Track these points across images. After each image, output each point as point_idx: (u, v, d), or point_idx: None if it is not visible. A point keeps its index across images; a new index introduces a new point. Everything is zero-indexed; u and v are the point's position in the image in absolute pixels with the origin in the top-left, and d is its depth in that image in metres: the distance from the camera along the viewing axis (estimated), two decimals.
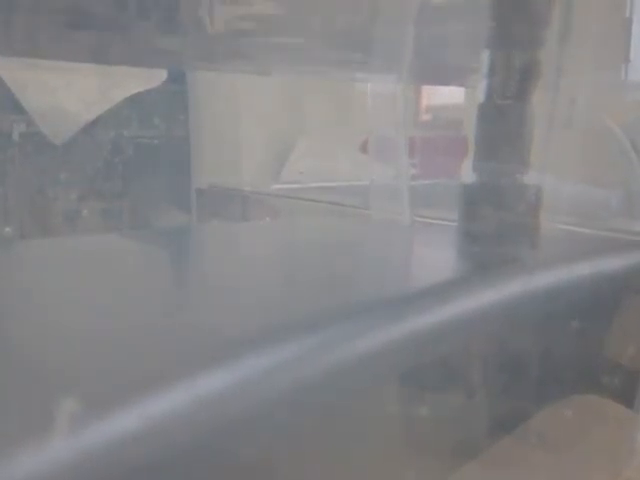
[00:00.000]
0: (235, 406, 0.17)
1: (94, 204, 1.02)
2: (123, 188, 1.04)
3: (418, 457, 0.26)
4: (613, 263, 0.30)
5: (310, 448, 0.20)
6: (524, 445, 0.27)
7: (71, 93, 0.98)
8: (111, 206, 1.04)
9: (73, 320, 0.21)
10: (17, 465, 0.12)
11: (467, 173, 0.36)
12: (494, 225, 0.32)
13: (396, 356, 0.22)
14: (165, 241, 0.38)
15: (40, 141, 0.95)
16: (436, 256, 0.33)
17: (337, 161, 0.94)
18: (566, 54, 0.36)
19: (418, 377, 0.24)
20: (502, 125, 0.34)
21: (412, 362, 0.23)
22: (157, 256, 0.34)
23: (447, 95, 1.00)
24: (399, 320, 0.22)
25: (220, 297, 0.24)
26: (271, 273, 0.29)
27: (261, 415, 0.18)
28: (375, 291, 0.25)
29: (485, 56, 0.34)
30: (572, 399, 0.28)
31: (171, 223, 1.02)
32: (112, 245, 0.37)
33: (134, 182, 1.05)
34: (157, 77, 1.00)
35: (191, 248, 0.38)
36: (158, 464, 0.15)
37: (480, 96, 0.35)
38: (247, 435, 0.17)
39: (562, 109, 0.38)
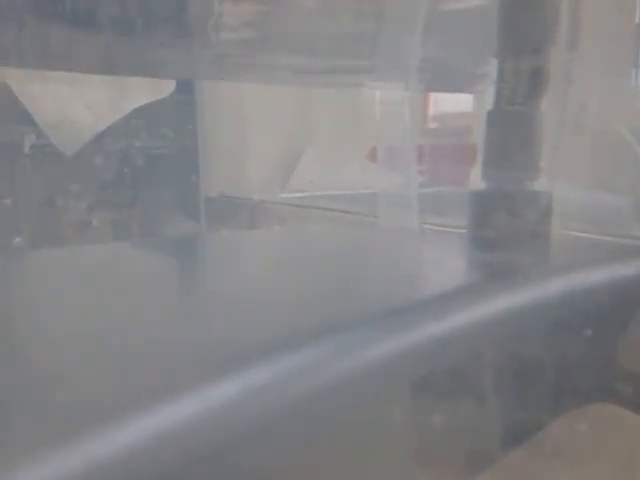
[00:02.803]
0: (245, 415, 0.17)
1: (104, 214, 1.02)
2: (133, 197, 1.05)
3: (429, 468, 0.26)
4: (626, 270, 0.29)
5: (318, 457, 0.20)
6: (538, 456, 0.26)
7: (80, 104, 0.99)
8: (121, 215, 1.04)
9: (83, 328, 0.20)
10: (27, 474, 0.12)
11: (476, 180, 0.36)
12: (504, 232, 0.32)
13: (405, 365, 0.21)
14: (177, 249, 0.38)
15: (50, 152, 0.95)
16: (445, 264, 0.33)
17: (345, 169, 0.94)
18: (575, 60, 0.36)
19: (428, 386, 0.24)
20: (511, 131, 0.33)
21: (422, 371, 0.23)
22: (169, 264, 0.34)
23: (453, 103, 1.00)
24: (409, 329, 0.21)
25: (231, 305, 0.24)
26: (281, 281, 0.28)
27: (270, 424, 0.17)
28: (384, 299, 0.24)
29: (494, 63, 0.34)
30: (587, 408, 0.27)
31: (181, 232, 1.03)
32: (125, 253, 0.37)
33: (144, 191, 1.06)
34: (166, 88, 1.01)
35: (203, 256, 0.38)
36: (167, 474, 0.15)
37: (489, 102, 0.34)
38: (257, 444, 0.17)
39: (572, 115, 0.38)
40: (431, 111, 1.08)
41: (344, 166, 0.95)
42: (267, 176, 1.04)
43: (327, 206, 0.70)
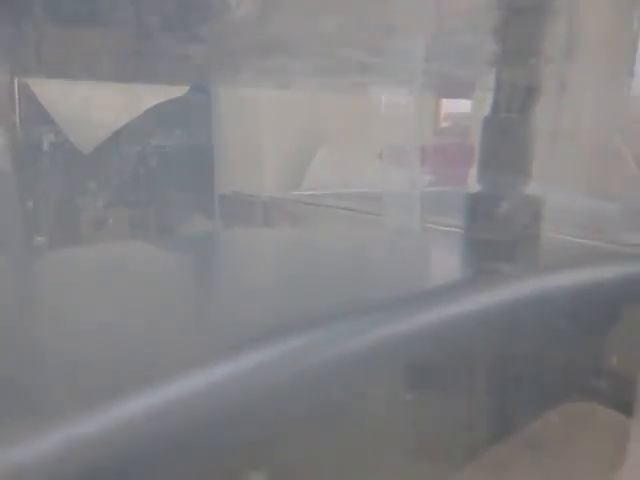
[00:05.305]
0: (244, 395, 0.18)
1: (120, 210, 1.05)
2: (148, 195, 1.07)
3: (419, 460, 0.27)
4: (608, 273, 0.30)
5: (309, 444, 0.22)
6: (520, 450, 0.27)
7: (98, 102, 1.01)
8: (137, 212, 1.06)
9: (102, 321, 0.22)
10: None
11: (473, 181, 0.37)
12: (495, 235, 0.33)
13: (387, 359, 0.23)
14: (191, 247, 0.40)
15: (69, 150, 0.98)
16: (434, 265, 0.34)
17: (357, 168, 0.95)
18: (570, 70, 0.37)
19: (414, 384, 0.25)
20: (506, 137, 0.35)
21: (406, 365, 0.24)
22: (183, 262, 0.36)
23: (465, 102, 1.00)
24: (391, 324, 0.23)
25: (241, 297, 0.26)
26: (288, 277, 0.30)
27: (261, 406, 0.19)
28: (373, 295, 0.26)
29: (491, 73, 0.35)
30: (566, 406, 0.28)
31: (196, 228, 1.05)
32: (142, 252, 0.38)
33: (159, 189, 1.07)
34: (181, 86, 1.02)
35: (217, 254, 0.40)
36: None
37: (486, 110, 0.36)
38: (256, 423, 0.19)
39: (565, 123, 0.39)
40: (443, 110, 1.09)
41: (356, 165, 0.96)
42: (280, 174, 1.05)
43: (337, 205, 0.72)
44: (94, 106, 1.00)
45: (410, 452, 0.27)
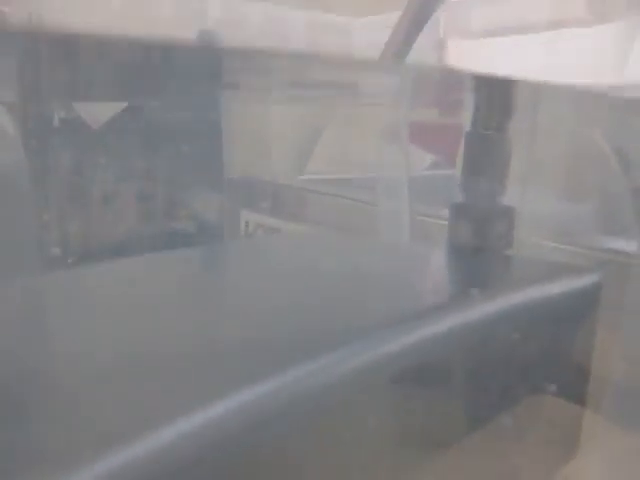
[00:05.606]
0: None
1: (130, 191, 1.07)
2: (158, 175, 1.08)
3: (402, 448, 0.30)
4: (575, 283, 0.33)
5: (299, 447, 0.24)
6: (487, 440, 0.31)
7: None
8: (145, 192, 1.08)
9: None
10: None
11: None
12: (474, 245, 0.37)
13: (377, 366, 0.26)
14: (200, 261, 0.41)
15: (79, 125, 0.98)
16: (409, 276, 0.35)
17: (358, 151, 0.97)
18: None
19: (400, 385, 0.28)
20: (484, 152, 0.38)
21: (390, 372, 0.27)
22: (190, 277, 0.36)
23: None
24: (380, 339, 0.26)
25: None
26: (281, 293, 0.32)
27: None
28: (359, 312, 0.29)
29: (471, 91, 0.38)
30: (530, 399, 0.32)
31: (205, 210, 1.07)
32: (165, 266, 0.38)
33: (169, 169, 1.09)
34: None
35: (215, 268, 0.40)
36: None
37: (467, 125, 0.39)
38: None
39: (545, 124, 0.41)
40: None
41: (358, 147, 0.97)
42: (287, 158, 1.07)
43: (337, 191, 0.74)
44: None
45: (395, 442, 0.30)
